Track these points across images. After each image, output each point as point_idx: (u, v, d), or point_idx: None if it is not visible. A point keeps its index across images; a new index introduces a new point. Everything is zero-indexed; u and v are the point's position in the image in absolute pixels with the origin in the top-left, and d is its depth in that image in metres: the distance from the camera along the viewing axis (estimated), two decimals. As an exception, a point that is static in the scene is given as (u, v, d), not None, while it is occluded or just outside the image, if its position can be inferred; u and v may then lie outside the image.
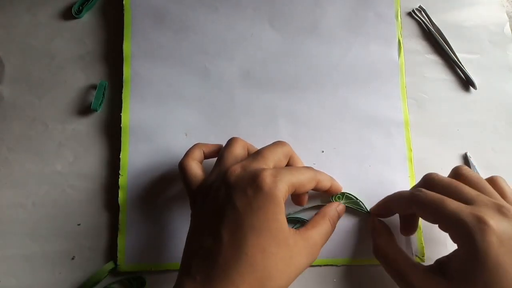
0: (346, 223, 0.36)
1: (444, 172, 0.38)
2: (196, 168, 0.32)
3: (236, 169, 0.28)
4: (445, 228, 0.27)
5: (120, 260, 0.35)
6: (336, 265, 0.35)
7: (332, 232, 0.31)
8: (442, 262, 0.29)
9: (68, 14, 0.40)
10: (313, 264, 0.35)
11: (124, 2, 0.39)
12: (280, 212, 0.26)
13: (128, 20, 0.39)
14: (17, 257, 0.35)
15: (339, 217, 0.33)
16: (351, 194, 0.36)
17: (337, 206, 0.33)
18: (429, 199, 0.28)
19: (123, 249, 0.35)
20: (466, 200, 0.27)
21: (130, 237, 0.35)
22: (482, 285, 0.24)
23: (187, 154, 0.33)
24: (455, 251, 0.27)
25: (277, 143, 0.31)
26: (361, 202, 0.36)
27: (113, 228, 0.36)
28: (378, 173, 0.37)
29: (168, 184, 0.36)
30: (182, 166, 0.32)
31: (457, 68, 0.40)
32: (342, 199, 0.36)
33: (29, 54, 0.39)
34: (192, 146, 0.34)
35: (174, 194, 0.36)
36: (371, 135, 0.38)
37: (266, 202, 0.26)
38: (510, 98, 0.40)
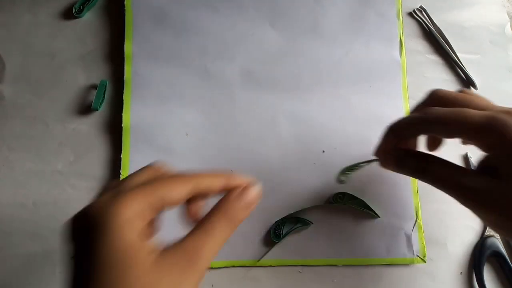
0: (347, 223, 0.36)
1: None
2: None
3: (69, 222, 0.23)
4: (473, 137, 0.25)
5: (120, 260, 0.35)
6: (336, 265, 0.35)
7: (229, 231, 0.23)
8: (486, 166, 0.27)
9: (69, 14, 0.40)
10: (313, 264, 0.35)
11: (125, 2, 0.39)
12: (121, 235, 0.20)
13: (129, 20, 0.39)
14: (17, 257, 0.35)
15: (247, 208, 0.24)
16: (352, 194, 0.36)
17: (240, 194, 0.24)
18: (447, 113, 0.25)
19: (124, 249, 0.35)
20: (477, 109, 0.25)
21: (131, 237, 0.35)
22: None
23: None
24: (490, 155, 0.26)
25: (144, 167, 0.25)
26: (364, 201, 0.36)
27: (114, 228, 0.36)
28: (379, 173, 0.37)
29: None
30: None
31: (458, 68, 0.40)
32: (343, 199, 0.36)
33: (30, 53, 0.39)
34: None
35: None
36: (372, 135, 0.38)
37: (97, 232, 0.20)
38: (510, 98, 0.40)
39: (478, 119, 0.24)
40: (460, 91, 0.29)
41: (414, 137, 0.30)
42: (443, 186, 0.27)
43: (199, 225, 0.22)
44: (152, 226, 0.22)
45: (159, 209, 0.21)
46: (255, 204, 0.24)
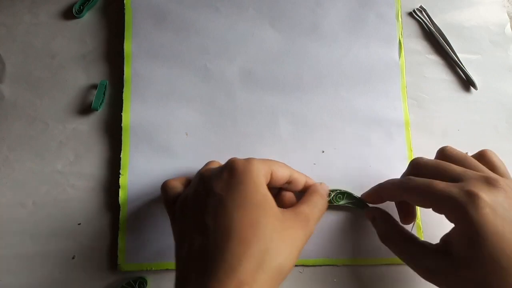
0: (347, 222, 0.36)
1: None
2: (175, 185, 0.31)
3: (209, 168, 0.29)
4: (438, 209, 0.27)
5: (120, 260, 0.35)
6: (336, 265, 0.35)
7: (325, 206, 0.31)
8: (447, 241, 0.28)
9: (69, 14, 0.40)
10: (313, 264, 0.35)
11: (125, 1, 0.39)
12: (260, 185, 0.26)
13: (129, 19, 0.39)
14: (17, 257, 0.35)
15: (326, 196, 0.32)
16: (352, 193, 0.36)
17: (321, 185, 0.33)
18: (417, 184, 0.28)
19: (124, 249, 0.35)
20: (454, 178, 0.27)
21: (131, 237, 0.35)
22: (488, 258, 0.24)
23: (173, 178, 0.32)
24: (453, 229, 0.27)
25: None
26: (363, 201, 0.36)
27: (114, 228, 0.36)
28: (379, 173, 0.37)
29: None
30: (163, 184, 0.31)
31: (458, 68, 0.40)
32: (343, 199, 0.36)
33: (30, 53, 0.39)
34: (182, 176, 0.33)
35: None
36: (372, 135, 0.38)
37: (243, 178, 0.26)
38: (510, 99, 0.40)
39: (439, 194, 0.26)
40: (442, 152, 0.31)
41: (392, 200, 0.33)
42: (401, 259, 0.30)
43: (307, 198, 0.30)
44: None
45: (270, 179, 0.28)
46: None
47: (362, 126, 0.38)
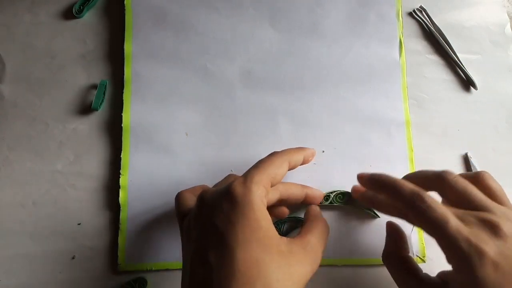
0: (347, 223, 0.36)
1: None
2: (188, 198, 0.30)
3: (208, 190, 0.27)
4: (442, 248, 0.26)
5: (120, 260, 0.35)
6: (336, 265, 0.35)
7: (329, 231, 0.30)
8: (444, 281, 0.28)
9: (69, 14, 0.40)
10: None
11: (125, 2, 0.39)
12: (262, 218, 0.25)
13: (129, 20, 0.39)
14: (17, 257, 0.35)
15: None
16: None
17: (317, 208, 0.32)
18: (433, 216, 0.25)
19: (124, 249, 0.35)
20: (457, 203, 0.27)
21: (131, 237, 0.35)
22: None
23: (187, 189, 0.32)
24: (452, 272, 0.26)
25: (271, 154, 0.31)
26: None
27: (114, 228, 0.36)
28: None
29: (169, 184, 0.36)
30: (177, 195, 0.31)
31: (458, 68, 0.40)
32: (343, 199, 0.36)
33: (30, 53, 0.39)
34: (197, 186, 0.33)
35: (174, 194, 0.36)
36: (372, 135, 0.38)
37: (244, 212, 0.24)
38: (510, 99, 0.40)
39: (449, 237, 0.25)
40: (442, 177, 0.29)
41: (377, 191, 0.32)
42: (399, 283, 0.29)
43: (312, 226, 0.29)
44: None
45: (269, 190, 0.27)
46: None
47: (362, 126, 0.38)
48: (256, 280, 0.23)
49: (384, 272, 0.34)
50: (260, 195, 0.25)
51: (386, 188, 0.29)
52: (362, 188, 0.33)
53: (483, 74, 0.40)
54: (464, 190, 0.27)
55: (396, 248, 0.31)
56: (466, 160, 0.38)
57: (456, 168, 0.38)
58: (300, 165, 0.31)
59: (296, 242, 0.26)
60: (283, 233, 0.35)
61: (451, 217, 0.25)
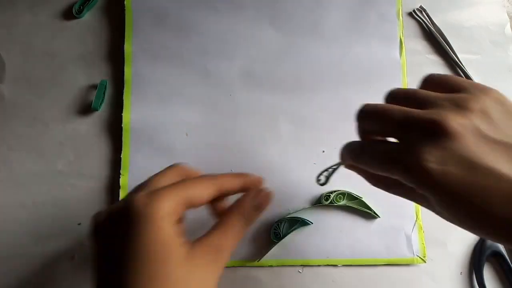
0: (347, 223, 0.36)
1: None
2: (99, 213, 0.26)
3: (101, 214, 0.24)
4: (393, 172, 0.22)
5: (120, 260, 0.35)
6: (336, 265, 0.35)
7: (245, 229, 0.26)
8: None
9: (69, 14, 0.40)
10: (313, 264, 0.35)
11: (125, 2, 0.39)
12: (160, 231, 0.22)
13: (129, 20, 0.39)
14: (17, 257, 0.35)
15: (260, 208, 0.27)
16: (352, 193, 0.36)
17: (255, 195, 0.27)
18: (371, 108, 0.24)
19: (124, 249, 0.35)
20: (421, 104, 0.23)
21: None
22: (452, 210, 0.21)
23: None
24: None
25: (168, 167, 0.27)
26: (363, 200, 0.36)
27: (114, 228, 0.36)
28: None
29: (169, 184, 0.36)
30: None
31: (458, 68, 0.40)
32: (343, 199, 0.36)
33: (30, 53, 0.39)
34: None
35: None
36: (372, 135, 0.38)
37: (139, 225, 0.22)
38: (510, 98, 0.40)
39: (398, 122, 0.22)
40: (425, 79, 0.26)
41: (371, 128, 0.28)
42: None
43: (220, 222, 0.25)
44: (179, 222, 0.24)
45: (188, 206, 0.24)
46: (267, 205, 0.27)
47: (362, 126, 0.38)
48: None
49: (384, 272, 0.34)
50: (164, 209, 0.22)
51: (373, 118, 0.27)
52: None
53: (483, 74, 0.40)
54: (405, 94, 0.25)
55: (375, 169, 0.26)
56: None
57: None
58: (242, 191, 0.27)
59: (198, 244, 0.24)
60: (282, 234, 0.35)
61: (392, 106, 0.24)
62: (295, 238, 0.35)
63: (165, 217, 0.22)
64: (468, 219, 0.21)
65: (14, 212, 0.36)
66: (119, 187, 0.36)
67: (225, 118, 0.38)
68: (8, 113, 0.38)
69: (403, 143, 0.22)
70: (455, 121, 0.21)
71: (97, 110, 0.38)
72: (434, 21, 0.41)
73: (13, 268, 0.35)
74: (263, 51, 0.39)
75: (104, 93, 0.38)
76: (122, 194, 0.36)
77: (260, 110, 0.38)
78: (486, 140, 0.21)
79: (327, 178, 0.33)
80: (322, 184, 0.33)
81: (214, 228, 0.25)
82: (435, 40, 0.41)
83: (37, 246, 0.35)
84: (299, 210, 0.35)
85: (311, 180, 0.36)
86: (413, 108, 0.23)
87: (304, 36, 0.40)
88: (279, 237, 0.35)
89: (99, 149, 0.37)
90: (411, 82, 0.39)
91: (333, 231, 0.36)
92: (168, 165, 0.37)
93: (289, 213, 0.35)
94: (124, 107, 0.37)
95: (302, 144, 0.37)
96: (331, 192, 0.36)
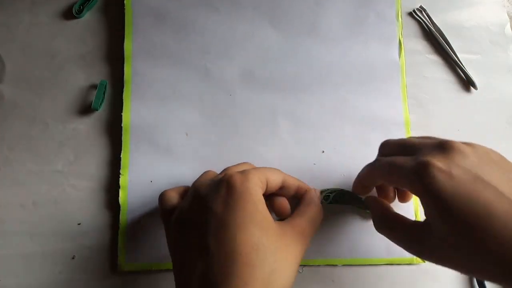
0: (347, 222, 0.36)
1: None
2: (172, 195, 0.30)
3: (205, 182, 0.28)
4: (402, 185, 0.26)
5: (120, 260, 0.35)
6: (336, 265, 0.35)
7: (321, 216, 0.30)
8: (426, 222, 0.27)
9: (68, 14, 0.40)
10: (313, 264, 0.35)
11: (125, 1, 0.39)
12: (259, 202, 0.26)
13: (129, 19, 0.39)
14: (17, 257, 0.35)
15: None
16: (352, 193, 0.36)
17: (316, 193, 0.32)
18: (382, 163, 0.28)
19: (123, 249, 0.35)
20: (413, 151, 0.26)
21: (131, 237, 0.35)
22: (455, 222, 0.22)
23: (170, 189, 0.32)
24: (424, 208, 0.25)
25: (241, 163, 0.32)
26: (362, 200, 0.36)
27: (114, 228, 0.36)
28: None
29: (169, 184, 0.36)
30: (160, 196, 0.31)
31: (458, 68, 0.40)
32: (344, 199, 0.36)
33: (30, 53, 0.39)
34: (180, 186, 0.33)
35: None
36: (372, 135, 0.38)
37: (242, 196, 0.25)
38: (510, 98, 0.40)
39: (400, 170, 0.25)
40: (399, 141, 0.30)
41: (373, 185, 0.32)
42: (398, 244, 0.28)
43: (302, 211, 0.29)
44: None
45: (265, 187, 0.28)
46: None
47: (362, 126, 0.38)
48: (256, 263, 0.23)
49: (384, 272, 0.34)
50: (257, 185, 0.27)
51: (366, 181, 0.31)
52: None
53: (483, 74, 0.40)
54: (399, 144, 0.29)
55: (382, 212, 0.30)
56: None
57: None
58: (292, 196, 0.32)
59: (286, 224, 0.27)
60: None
61: (396, 157, 0.26)
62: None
63: (259, 191, 0.27)
64: (471, 244, 0.22)
65: (14, 212, 0.36)
66: (119, 187, 0.36)
67: (225, 118, 0.38)
68: (8, 113, 0.38)
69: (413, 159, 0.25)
70: (462, 145, 0.24)
71: (97, 110, 0.38)
72: (434, 21, 0.41)
73: (13, 268, 0.35)
74: (263, 51, 0.39)
75: (104, 93, 0.38)
76: (122, 194, 0.36)
77: (260, 110, 0.38)
78: (488, 162, 0.24)
79: (335, 198, 0.35)
80: (329, 203, 0.35)
81: (299, 213, 0.29)
82: (435, 40, 0.41)
83: (37, 246, 0.35)
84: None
85: (311, 180, 0.36)
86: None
87: (304, 36, 0.40)
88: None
89: (99, 149, 0.37)
90: (412, 82, 0.39)
91: (333, 231, 0.36)
92: (169, 165, 0.37)
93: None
94: (124, 107, 0.37)
95: (302, 144, 0.37)
96: (331, 192, 0.36)
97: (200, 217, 0.26)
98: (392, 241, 0.29)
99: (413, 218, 0.36)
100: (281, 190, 0.31)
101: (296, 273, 0.26)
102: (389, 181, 0.28)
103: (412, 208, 0.36)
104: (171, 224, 0.28)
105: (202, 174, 0.32)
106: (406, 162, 0.25)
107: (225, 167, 0.35)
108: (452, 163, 0.23)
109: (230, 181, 0.26)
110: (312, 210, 0.30)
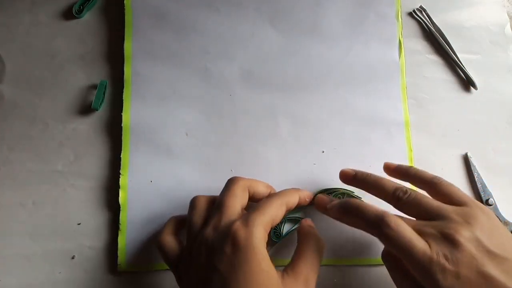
0: (347, 223, 0.36)
1: (444, 172, 0.38)
2: (171, 242, 0.31)
3: (209, 233, 0.27)
4: (410, 267, 0.26)
5: (120, 260, 0.35)
6: (336, 265, 0.35)
7: (322, 252, 0.30)
8: None
9: (68, 14, 0.40)
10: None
11: (125, 1, 0.39)
12: (263, 260, 0.26)
13: (129, 19, 0.39)
14: (17, 257, 0.35)
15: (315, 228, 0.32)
16: (352, 193, 0.36)
17: (308, 223, 0.33)
18: (399, 242, 0.26)
19: (123, 249, 0.35)
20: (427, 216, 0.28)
21: (131, 237, 0.35)
22: None
23: (161, 232, 0.32)
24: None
25: (229, 182, 0.31)
26: (363, 200, 0.36)
27: (114, 228, 0.36)
28: (379, 173, 0.37)
29: (169, 184, 0.36)
30: (158, 244, 0.31)
31: (458, 68, 0.40)
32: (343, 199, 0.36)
33: (30, 53, 0.39)
34: (166, 222, 0.33)
35: (174, 194, 0.36)
36: (372, 135, 0.38)
37: (247, 255, 0.25)
38: (510, 98, 0.40)
39: (416, 259, 0.26)
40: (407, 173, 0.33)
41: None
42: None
43: (301, 255, 0.29)
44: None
45: (269, 227, 0.28)
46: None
47: (362, 126, 0.38)
48: None
49: (384, 272, 0.34)
50: (261, 238, 0.26)
51: (352, 214, 0.30)
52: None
53: (483, 74, 0.40)
54: (418, 204, 0.29)
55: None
56: (466, 160, 0.38)
57: (456, 168, 0.38)
58: (297, 205, 0.32)
59: (289, 275, 0.27)
60: (282, 234, 0.35)
61: (416, 241, 0.26)
62: (295, 238, 0.35)
63: (263, 245, 0.26)
64: None
65: (14, 211, 0.36)
66: (119, 187, 0.36)
67: (225, 118, 0.38)
68: (8, 113, 0.38)
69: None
70: (466, 234, 0.26)
71: (97, 110, 0.38)
72: (434, 21, 0.41)
73: (13, 268, 0.35)
74: (263, 51, 0.39)
75: (104, 93, 0.38)
76: (122, 194, 0.36)
77: (260, 110, 0.38)
78: (486, 250, 0.25)
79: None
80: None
81: (298, 258, 0.29)
82: (435, 40, 0.41)
83: (37, 246, 0.35)
84: (299, 210, 0.35)
85: (311, 180, 0.37)
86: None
87: (304, 36, 0.40)
88: (279, 237, 0.35)
89: (99, 149, 0.37)
90: (411, 82, 0.39)
91: (333, 231, 0.36)
92: (168, 165, 0.37)
93: (289, 213, 0.35)
94: (124, 107, 0.37)
95: (302, 144, 0.37)
96: (331, 192, 0.36)
97: (205, 271, 0.26)
98: (390, 275, 0.30)
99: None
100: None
101: None
102: (388, 247, 0.28)
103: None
104: (180, 271, 0.29)
105: (193, 206, 0.31)
106: (424, 251, 0.25)
107: (224, 167, 0.35)
108: (458, 262, 0.25)
109: (235, 237, 0.26)
110: (311, 248, 0.30)
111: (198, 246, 0.27)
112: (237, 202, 0.29)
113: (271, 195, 0.31)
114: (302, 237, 0.31)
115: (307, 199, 0.33)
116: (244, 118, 0.38)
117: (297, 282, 0.27)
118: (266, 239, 0.27)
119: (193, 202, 0.31)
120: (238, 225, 0.26)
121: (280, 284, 0.26)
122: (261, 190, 0.32)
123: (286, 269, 0.28)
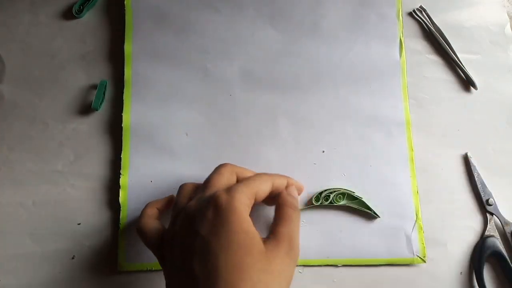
0: (347, 223, 0.36)
1: (444, 172, 0.38)
2: (151, 223, 0.30)
3: (191, 204, 0.27)
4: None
5: (120, 260, 0.35)
6: (336, 265, 0.35)
7: (299, 216, 0.29)
8: None
9: (68, 14, 0.40)
10: (313, 264, 0.35)
11: (125, 2, 0.39)
12: (244, 221, 0.26)
13: (129, 20, 0.39)
14: (17, 257, 0.35)
15: (297, 200, 0.31)
16: (352, 193, 0.36)
17: (288, 192, 0.31)
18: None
19: (123, 249, 0.35)
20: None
21: (131, 237, 0.35)
22: None
23: (140, 216, 0.32)
24: None
25: (218, 166, 0.31)
26: (363, 200, 0.36)
27: (114, 228, 0.36)
28: (379, 173, 0.37)
29: (169, 184, 0.36)
30: (138, 228, 0.31)
31: (458, 68, 0.40)
32: (343, 199, 0.36)
33: (29, 53, 0.39)
34: (144, 207, 0.32)
35: (174, 194, 0.36)
36: (372, 135, 0.38)
37: (228, 216, 0.25)
38: (510, 98, 0.40)
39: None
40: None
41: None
42: None
43: (282, 216, 0.28)
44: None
45: (254, 200, 0.28)
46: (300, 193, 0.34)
47: (363, 126, 0.38)
48: (239, 284, 0.23)
49: (384, 272, 0.34)
50: (243, 203, 0.26)
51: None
52: None
53: (483, 74, 0.40)
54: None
55: None
56: (466, 160, 0.38)
57: (456, 168, 0.38)
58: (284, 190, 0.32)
59: (270, 239, 0.27)
60: None
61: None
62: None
63: (245, 210, 0.26)
64: None
65: (14, 211, 0.36)
66: (119, 187, 0.36)
67: (225, 118, 0.38)
68: (8, 113, 0.38)
69: None
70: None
71: (97, 110, 0.38)
72: (434, 21, 0.41)
73: (13, 268, 0.35)
74: (263, 51, 0.39)
75: (104, 93, 0.38)
76: (122, 194, 0.36)
77: (260, 110, 0.38)
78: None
79: (335, 198, 0.36)
80: (329, 203, 0.35)
81: (278, 221, 0.28)
82: (435, 40, 0.41)
83: (37, 246, 0.35)
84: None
85: (311, 180, 0.37)
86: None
87: (304, 36, 0.40)
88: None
89: (99, 149, 0.37)
90: (411, 82, 0.39)
91: (333, 231, 0.36)
92: (168, 165, 0.37)
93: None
94: (124, 107, 0.37)
95: (302, 144, 0.37)
96: (331, 192, 0.36)
97: (188, 239, 0.26)
98: None
99: (413, 218, 0.36)
100: (271, 193, 0.30)
101: (288, 287, 0.26)
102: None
103: (412, 202, 0.36)
104: (164, 249, 0.28)
105: (180, 190, 0.32)
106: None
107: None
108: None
109: (216, 202, 0.26)
110: (289, 212, 0.29)
111: (182, 218, 0.27)
112: (223, 180, 0.29)
113: (258, 173, 0.31)
114: (278, 205, 0.30)
115: (301, 189, 0.33)
116: (244, 118, 0.38)
117: (279, 244, 0.26)
118: (250, 207, 0.27)
119: (181, 187, 0.32)
120: (220, 192, 0.26)
121: (262, 245, 0.25)
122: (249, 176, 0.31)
123: (268, 234, 0.27)
